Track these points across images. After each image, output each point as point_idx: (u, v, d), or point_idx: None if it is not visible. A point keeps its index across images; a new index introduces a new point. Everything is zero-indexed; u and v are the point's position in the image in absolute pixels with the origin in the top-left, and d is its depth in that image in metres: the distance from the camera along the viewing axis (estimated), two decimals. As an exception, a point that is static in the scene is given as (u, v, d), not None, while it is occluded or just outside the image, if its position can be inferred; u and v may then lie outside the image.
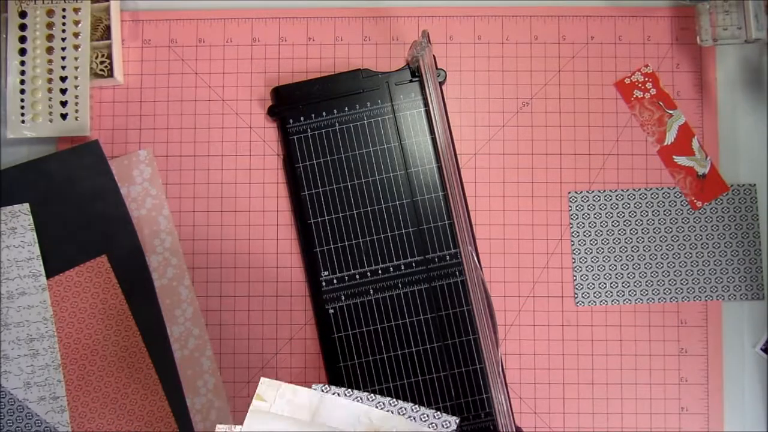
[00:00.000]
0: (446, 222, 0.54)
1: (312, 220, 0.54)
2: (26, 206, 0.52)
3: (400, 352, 0.53)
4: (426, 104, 0.54)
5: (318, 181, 0.54)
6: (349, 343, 0.53)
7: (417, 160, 0.54)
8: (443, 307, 0.53)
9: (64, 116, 0.54)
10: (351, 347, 0.53)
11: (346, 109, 0.54)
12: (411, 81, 0.54)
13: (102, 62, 0.55)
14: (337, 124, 0.54)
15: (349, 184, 0.54)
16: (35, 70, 0.54)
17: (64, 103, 0.54)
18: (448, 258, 0.53)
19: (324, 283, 0.53)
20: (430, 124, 0.54)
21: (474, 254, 0.50)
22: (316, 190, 0.54)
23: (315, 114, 0.54)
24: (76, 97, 0.54)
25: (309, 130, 0.54)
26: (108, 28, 0.55)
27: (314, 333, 0.54)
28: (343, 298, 0.53)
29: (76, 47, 0.54)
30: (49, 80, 0.54)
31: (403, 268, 0.53)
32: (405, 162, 0.54)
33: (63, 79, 0.54)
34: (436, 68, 0.54)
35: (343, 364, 0.53)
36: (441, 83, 0.55)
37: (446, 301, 0.53)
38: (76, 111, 0.54)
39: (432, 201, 0.54)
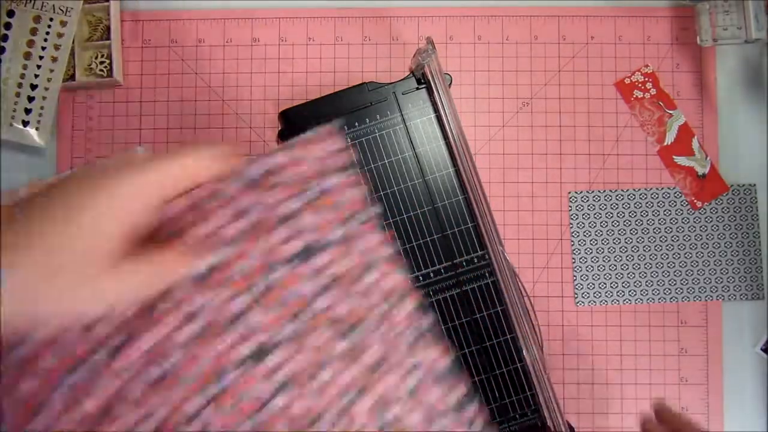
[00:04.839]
0: (470, 225, 0.52)
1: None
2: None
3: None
4: (435, 110, 0.53)
5: (338, 200, 0.53)
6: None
7: (433, 166, 0.53)
8: (476, 310, 0.52)
9: (25, 123, 0.54)
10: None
11: (356, 124, 0.53)
12: (417, 89, 0.53)
13: (102, 62, 0.55)
14: (348, 140, 0.53)
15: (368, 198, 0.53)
16: (9, 72, 0.54)
17: (28, 111, 0.54)
18: (475, 261, 0.52)
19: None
20: (442, 129, 0.53)
21: (504, 254, 0.50)
22: (337, 210, 0.53)
23: (326, 133, 0.53)
24: (42, 108, 0.54)
25: (322, 150, 0.53)
26: (108, 28, 0.55)
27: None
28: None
29: (54, 59, 0.54)
30: (19, 85, 0.54)
31: (432, 275, 0.52)
32: (421, 170, 0.53)
33: (33, 87, 0.54)
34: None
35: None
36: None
37: (479, 304, 0.52)
38: (38, 122, 0.54)
39: (453, 205, 0.53)
